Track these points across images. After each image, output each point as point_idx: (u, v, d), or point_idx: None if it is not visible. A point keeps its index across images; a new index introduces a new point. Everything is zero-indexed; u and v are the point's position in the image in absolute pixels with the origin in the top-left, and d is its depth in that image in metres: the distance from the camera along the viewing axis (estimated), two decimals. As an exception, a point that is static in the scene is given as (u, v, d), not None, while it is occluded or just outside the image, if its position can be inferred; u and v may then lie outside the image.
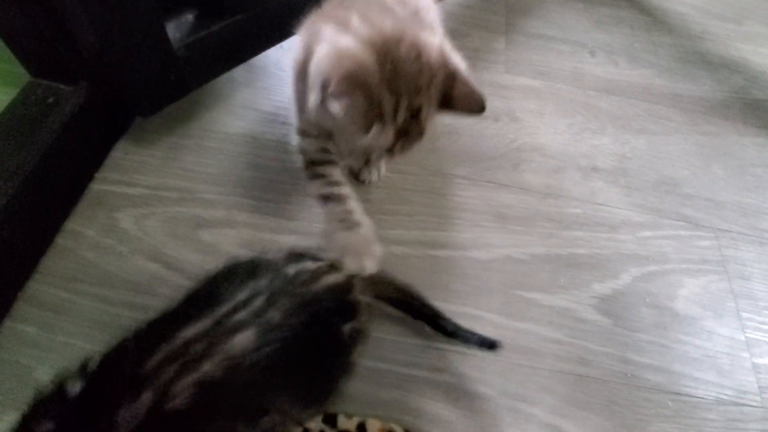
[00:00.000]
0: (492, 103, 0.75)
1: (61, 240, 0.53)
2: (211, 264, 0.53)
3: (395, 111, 0.37)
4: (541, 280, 0.58)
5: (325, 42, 0.37)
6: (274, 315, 0.35)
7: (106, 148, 0.59)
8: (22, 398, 0.44)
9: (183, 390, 0.31)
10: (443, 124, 0.71)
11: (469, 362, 0.52)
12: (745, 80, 0.88)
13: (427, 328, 0.50)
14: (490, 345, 0.47)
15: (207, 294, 0.38)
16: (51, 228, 0.52)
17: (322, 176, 0.48)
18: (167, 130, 0.64)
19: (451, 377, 0.51)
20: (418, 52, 0.37)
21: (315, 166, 0.49)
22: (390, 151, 0.40)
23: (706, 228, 0.67)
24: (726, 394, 0.54)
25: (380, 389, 0.48)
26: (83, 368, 0.34)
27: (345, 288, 0.40)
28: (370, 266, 0.44)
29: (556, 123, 0.75)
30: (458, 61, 0.40)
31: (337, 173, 0.49)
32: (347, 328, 0.38)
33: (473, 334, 0.48)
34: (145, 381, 0.31)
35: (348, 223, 0.47)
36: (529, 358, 0.53)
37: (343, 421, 0.44)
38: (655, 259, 0.63)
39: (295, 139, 0.50)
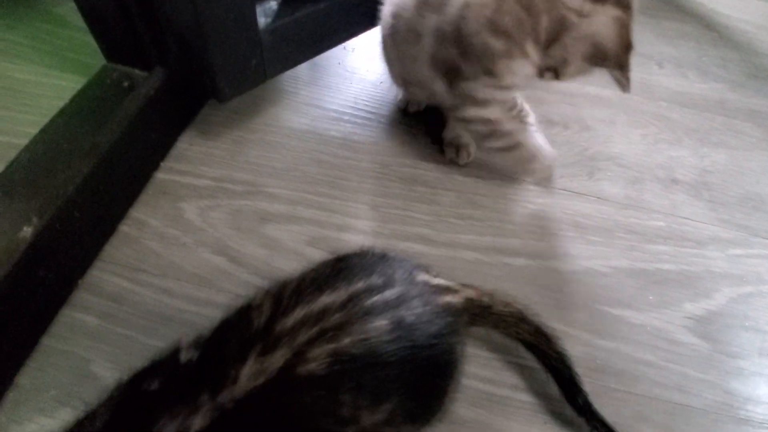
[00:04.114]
0: (561, 110, 0.73)
1: (125, 228, 0.51)
2: (277, 260, 0.51)
3: None
4: (628, 296, 0.53)
5: None
6: (407, 314, 0.33)
7: (173, 137, 0.57)
8: (78, 392, 0.42)
9: (319, 356, 0.29)
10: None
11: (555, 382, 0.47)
12: (820, 99, 0.84)
13: (555, 388, 0.44)
14: None
15: (339, 267, 0.36)
16: (116, 214, 0.50)
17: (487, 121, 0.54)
18: (232, 123, 0.62)
19: (536, 398, 0.46)
20: None
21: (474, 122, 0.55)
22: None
23: (799, 249, 0.61)
24: (842, 435, 0.47)
25: (461, 406, 0.44)
26: (197, 340, 0.32)
27: (459, 311, 0.38)
28: (539, 172, 0.59)
29: (629, 133, 0.71)
30: None
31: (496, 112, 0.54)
32: (459, 347, 0.36)
33: (603, 423, 0.42)
34: (279, 338, 0.30)
35: (510, 147, 0.56)
36: (623, 381, 0.47)
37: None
38: (750, 280, 0.57)
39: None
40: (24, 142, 0.51)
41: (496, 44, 0.47)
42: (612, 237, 0.59)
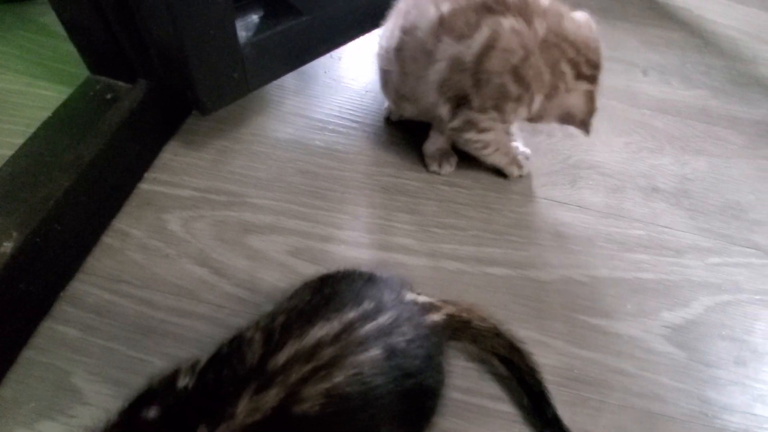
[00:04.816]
0: (545, 119, 0.74)
1: (107, 239, 0.51)
2: (261, 271, 0.52)
3: None
4: (607, 306, 0.54)
5: None
6: (398, 340, 0.33)
7: (157, 148, 0.58)
8: (59, 405, 0.42)
9: (313, 396, 0.29)
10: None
11: (533, 391, 0.47)
12: (803, 106, 0.85)
13: (525, 400, 0.46)
14: None
15: (327, 294, 0.36)
16: (99, 226, 0.50)
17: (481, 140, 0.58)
18: (216, 133, 0.63)
19: (514, 408, 0.46)
20: None
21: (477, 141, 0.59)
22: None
23: (778, 257, 0.62)
24: (815, 443, 0.48)
25: (439, 417, 0.44)
26: (193, 366, 0.32)
27: (443, 329, 0.39)
28: (518, 167, 0.63)
29: (612, 141, 0.72)
30: None
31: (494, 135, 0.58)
32: (443, 364, 0.37)
33: None
34: (273, 376, 0.29)
35: (512, 158, 0.63)
36: (598, 391, 0.48)
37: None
38: (727, 289, 0.58)
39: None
40: (8, 152, 0.51)
41: (513, 89, 0.50)
42: (592, 246, 0.59)
